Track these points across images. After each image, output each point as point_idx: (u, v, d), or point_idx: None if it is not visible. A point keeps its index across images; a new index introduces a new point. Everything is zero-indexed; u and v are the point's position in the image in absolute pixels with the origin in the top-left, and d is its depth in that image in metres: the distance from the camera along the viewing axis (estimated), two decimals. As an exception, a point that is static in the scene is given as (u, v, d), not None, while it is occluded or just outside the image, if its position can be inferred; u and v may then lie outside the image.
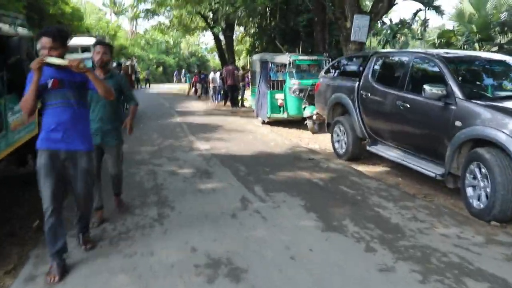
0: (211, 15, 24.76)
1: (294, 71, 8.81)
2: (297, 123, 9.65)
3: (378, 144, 5.49)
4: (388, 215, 3.63)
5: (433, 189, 4.46)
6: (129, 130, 3.70)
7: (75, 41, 10.08)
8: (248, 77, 18.57)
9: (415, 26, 30.74)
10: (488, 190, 3.50)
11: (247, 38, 30.33)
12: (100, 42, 3.57)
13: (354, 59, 6.88)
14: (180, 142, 7.41)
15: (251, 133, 8.35)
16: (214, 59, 53.81)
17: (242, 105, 14.89)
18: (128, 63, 26.04)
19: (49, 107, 2.62)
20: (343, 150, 6.08)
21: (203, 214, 3.66)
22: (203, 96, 19.36)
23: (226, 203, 3.95)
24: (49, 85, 2.56)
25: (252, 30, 27.43)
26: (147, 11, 24.17)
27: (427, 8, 23.73)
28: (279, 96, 9.25)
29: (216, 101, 16.90)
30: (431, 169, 4.25)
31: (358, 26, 11.53)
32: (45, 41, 2.52)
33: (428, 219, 3.54)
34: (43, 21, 17.40)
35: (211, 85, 17.12)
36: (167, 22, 26.27)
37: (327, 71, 7.08)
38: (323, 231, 3.29)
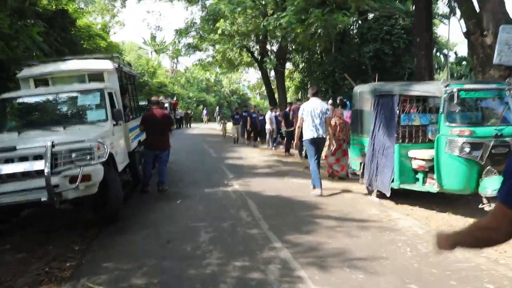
0: (257, 49, 21.76)
1: (457, 111, 4.81)
2: (442, 198, 5.58)
3: None
4: None
5: None
6: None
7: (80, 64, 6.34)
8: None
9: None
10: None
11: (295, 74, 27.13)
12: None
13: None
14: (265, 272, 3.35)
15: (391, 232, 4.20)
16: (255, 98, 51.19)
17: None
18: (165, 101, 23.32)
19: None
20: None
21: None
22: (241, 139, 15.88)
23: None
24: None
25: (301, 65, 24.14)
26: (188, 45, 21.61)
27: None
28: (418, 154, 5.24)
29: (273, 148, 13.25)
30: None
31: (508, 42, 7.60)
32: None
33: None
34: (76, 56, 14.87)
35: (268, 127, 13.50)
36: (209, 58, 23.53)
37: None
38: None
